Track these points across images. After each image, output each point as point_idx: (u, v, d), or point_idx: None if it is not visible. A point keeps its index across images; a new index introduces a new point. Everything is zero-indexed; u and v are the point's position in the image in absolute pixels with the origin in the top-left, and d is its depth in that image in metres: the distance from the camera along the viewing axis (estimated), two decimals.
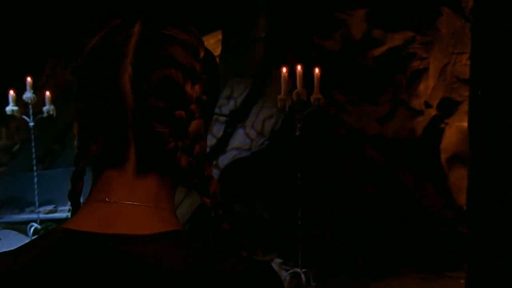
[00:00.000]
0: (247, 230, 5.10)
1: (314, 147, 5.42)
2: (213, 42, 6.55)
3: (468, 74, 4.78)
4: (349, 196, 5.62)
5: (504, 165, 3.32)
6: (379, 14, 5.61)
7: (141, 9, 6.31)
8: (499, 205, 3.37)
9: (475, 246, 3.55)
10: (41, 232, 5.95)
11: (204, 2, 6.36)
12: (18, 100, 5.64)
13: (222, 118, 5.81)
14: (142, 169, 0.74)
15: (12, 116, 5.81)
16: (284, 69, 4.68)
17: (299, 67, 4.66)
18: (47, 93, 5.78)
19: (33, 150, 5.90)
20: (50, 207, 6.43)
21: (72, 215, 0.77)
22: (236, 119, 5.84)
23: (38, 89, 6.34)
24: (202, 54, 0.76)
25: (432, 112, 5.72)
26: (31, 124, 5.87)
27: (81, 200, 0.79)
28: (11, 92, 5.57)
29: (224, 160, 5.63)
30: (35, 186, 5.91)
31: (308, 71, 4.67)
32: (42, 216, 6.15)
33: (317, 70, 4.67)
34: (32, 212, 6.28)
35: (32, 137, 5.91)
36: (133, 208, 0.73)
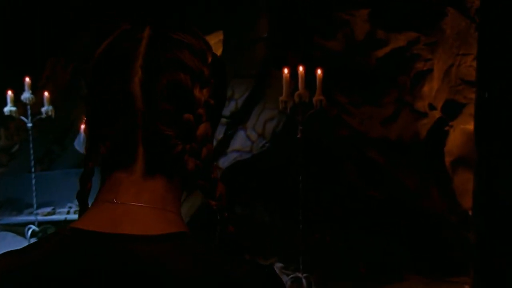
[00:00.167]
0: (248, 233, 5.05)
1: (316, 149, 5.37)
2: (214, 43, 6.51)
3: (473, 76, 4.72)
4: (351, 198, 5.57)
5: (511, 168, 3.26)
6: (383, 14, 5.55)
7: (141, 9, 6.28)
8: (506, 209, 3.31)
9: (481, 252, 3.48)
10: (39, 234, 5.91)
11: (204, 2, 6.33)
12: (17, 101, 5.59)
13: (223, 120, 5.75)
14: (150, 171, 0.75)
15: (11, 117, 5.76)
16: (286, 70, 4.62)
17: (301, 68, 4.59)
18: (46, 93, 5.73)
19: (31, 151, 5.87)
20: (48, 209, 6.38)
21: (80, 215, 0.79)
22: (237, 121, 5.79)
23: (38, 90, 6.32)
24: (210, 59, 0.78)
25: (437, 114, 5.65)
26: (29, 125, 5.83)
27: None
28: (9, 93, 5.54)
29: (224, 162, 5.58)
30: (33, 188, 5.86)
31: (310, 72, 4.61)
32: (40, 218, 6.10)
33: (319, 71, 4.60)
34: (31, 214, 6.23)
35: (31, 138, 5.88)
36: (140, 209, 0.74)
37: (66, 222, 5.96)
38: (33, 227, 5.93)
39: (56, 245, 0.73)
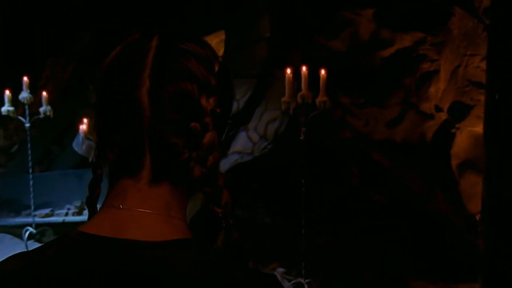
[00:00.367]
0: (249, 235, 4.99)
1: (319, 150, 5.31)
2: (216, 42, 6.46)
3: (481, 77, 4.63)
4: (354, 199, 5.51)
5: None
6: (388, 14, 5.47)
7: (141, 10, 6.25)
8: None
9: (490, 257, 3.39)
10: (37, 236, 5.84)
11: (204, 2, 6.28)
12: (16, 101, 5.54)
13: None
14: (156, 178, 0.77)
15: (10, 117, 5.72)
16: (289, 70, 4.53)
17: (304, 68, 4.52)
18: (44, 93, 5.69)
19: (29, 152, 5.81)
20: (46, 211, 6.30)
21: (88, 220, 0.81)
22: (238, 122, 5.73)
23: (38, 90, 6.29)
24: (217, 68, 0.81)
25: (443, 116, 5.55)
26: (27, 125, 5.78)
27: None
28: (7, 92, 5.51)
29: (225, 163, 5.52)
30: (31, 189, 5.79)
31: (313, 72, 4.53)
32: (37, 220, 6.02)
33: (323, 72, 4.51)
34: (29, 215, 6.15)
35: (28, 138, 5.84)
36: (145, 215, 0.76)
37: (64, 224, 5.89)
38: (30, 229, 5.83)
39: (61, 247, 0.76)
